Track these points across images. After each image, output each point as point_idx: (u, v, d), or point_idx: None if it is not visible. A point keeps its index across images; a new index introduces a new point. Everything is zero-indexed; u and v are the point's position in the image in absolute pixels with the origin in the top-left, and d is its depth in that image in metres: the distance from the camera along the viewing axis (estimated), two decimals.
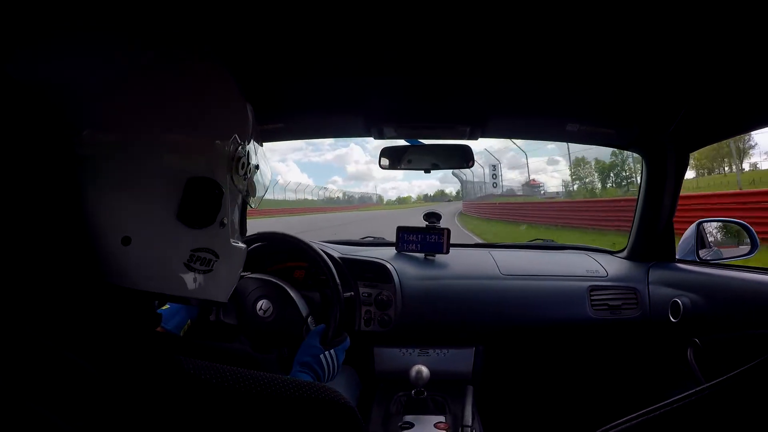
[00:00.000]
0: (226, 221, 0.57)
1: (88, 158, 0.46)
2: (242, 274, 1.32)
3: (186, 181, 0.50)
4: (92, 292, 0.46)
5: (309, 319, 1.34)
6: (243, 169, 0.59)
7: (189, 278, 0.53)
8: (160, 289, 0.51)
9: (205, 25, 0.90)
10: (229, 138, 0.56)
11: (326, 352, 1.13)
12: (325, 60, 1.11)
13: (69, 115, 0.45)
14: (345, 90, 1.32)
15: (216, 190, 0.53)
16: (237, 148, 0.57)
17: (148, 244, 0.49)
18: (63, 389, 0.36)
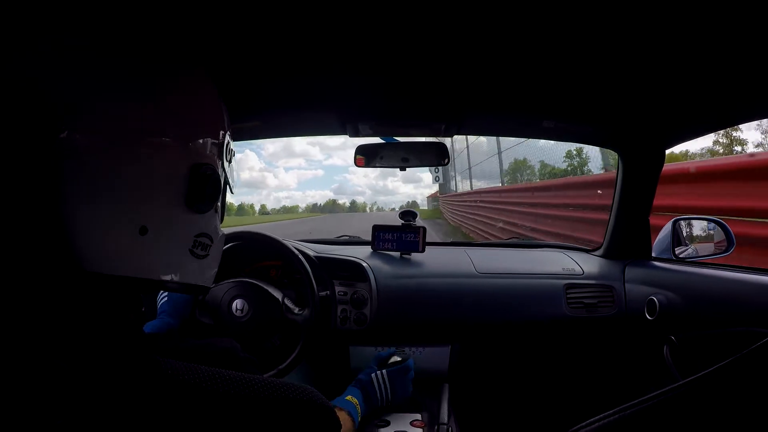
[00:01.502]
0: (218, 206, 0.60)
1: (91, 154, 0.46)
2: (219, 283, 1.34)
3: (191, 167, 0.52)
4: (76, 286, 0.46)
5: (286, 300, 1.36)
6: (230, 155, 0.62)
7: (190, 264, 0.55)
8: (167, 276, 0.52)
9: (182, 25, 0.88)
10: (220, 127, 0.59)
11: (377, 372, 1.19)
12: (301, 57, 1.10)
13: (62, 113, 0.45)
14: (320, 87, 1.31)
15: (216, 176, 0.56)
16: (225, 136, 0.60)
17: (163, 232, 0.50)
18: (42, 389, 0.36)
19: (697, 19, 0.85)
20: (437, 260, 1.68)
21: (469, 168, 14.29)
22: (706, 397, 0.47)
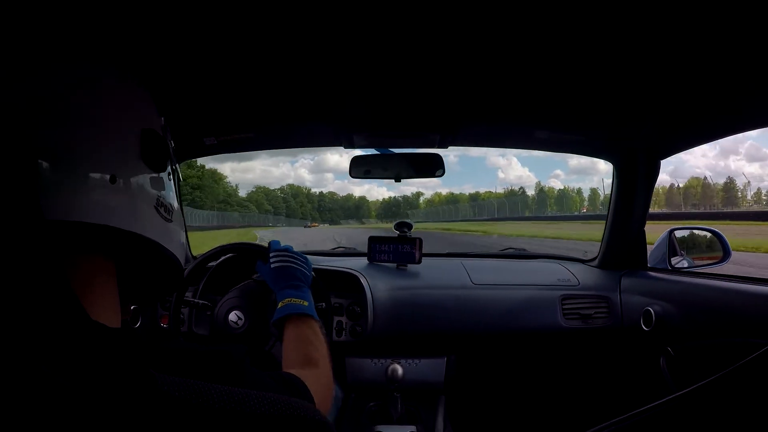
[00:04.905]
0: (170, 176, 0.64)
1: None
2: (216, 298, 1.32)
3: (141, 131, 0.58)
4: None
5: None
6: (171, 143, 0.66)
7: (156, 220, 0.59)
8: (136, 228, 0.55)
9: (180, 36, 0.90)
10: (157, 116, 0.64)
11: (270, 261, 1.11)
12: (294, 70, 1.10)
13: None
14: (314, 99, 1.31)
15: (164, 139, 0.61)
16: (163, 123, 0.65)
17: (129, 182, 0.55)
18: (36, 401, 0.35)
19: (690, 31, 0.85)
20: (433, 272, 1.68)
21: None
22: (700, 409, 0.47)
